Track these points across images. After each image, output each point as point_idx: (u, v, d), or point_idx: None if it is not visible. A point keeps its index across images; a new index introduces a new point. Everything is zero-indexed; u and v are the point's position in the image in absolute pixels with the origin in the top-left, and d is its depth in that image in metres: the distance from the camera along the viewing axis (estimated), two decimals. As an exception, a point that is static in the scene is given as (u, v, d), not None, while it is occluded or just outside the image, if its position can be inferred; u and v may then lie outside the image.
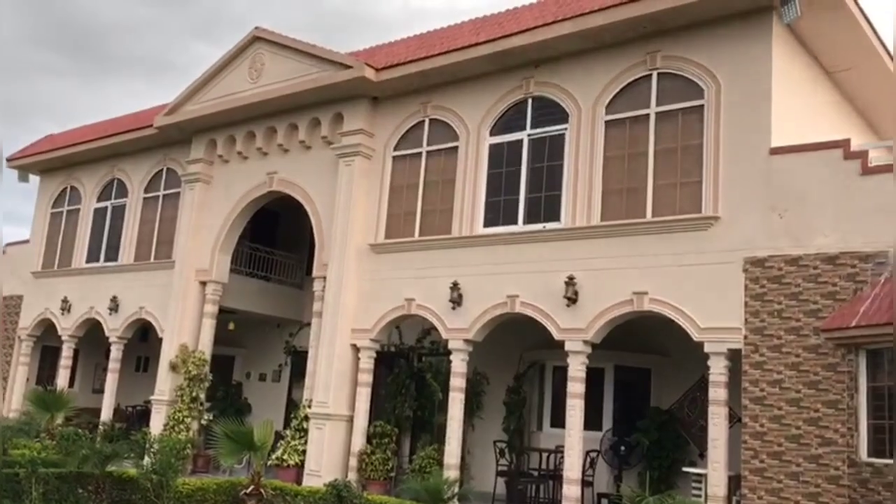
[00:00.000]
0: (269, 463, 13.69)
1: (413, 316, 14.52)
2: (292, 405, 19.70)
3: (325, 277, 15.43)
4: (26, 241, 23.50)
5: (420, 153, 14.88)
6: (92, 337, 20.96)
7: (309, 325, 19.69)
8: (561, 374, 13.39)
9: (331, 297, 15.04)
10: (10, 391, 21.89)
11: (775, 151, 10.79)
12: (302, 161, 16.50)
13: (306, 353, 18.99)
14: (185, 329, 17.46)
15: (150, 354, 22.07)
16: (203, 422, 16.86)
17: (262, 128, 16.98)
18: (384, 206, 15.14)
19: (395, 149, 15.26)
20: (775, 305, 10.42)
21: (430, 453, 13.69)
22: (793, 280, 10.36)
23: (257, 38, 16.87)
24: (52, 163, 22.45)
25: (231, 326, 18.99)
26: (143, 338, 21.34)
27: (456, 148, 14.31)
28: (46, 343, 22.35)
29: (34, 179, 23.66)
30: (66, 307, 20.75)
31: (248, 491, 12.48)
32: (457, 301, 13.39)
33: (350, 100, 15.50)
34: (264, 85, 16.41)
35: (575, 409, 11.88)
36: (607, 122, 12.50)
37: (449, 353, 13.73)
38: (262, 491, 12.57)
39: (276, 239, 20.46)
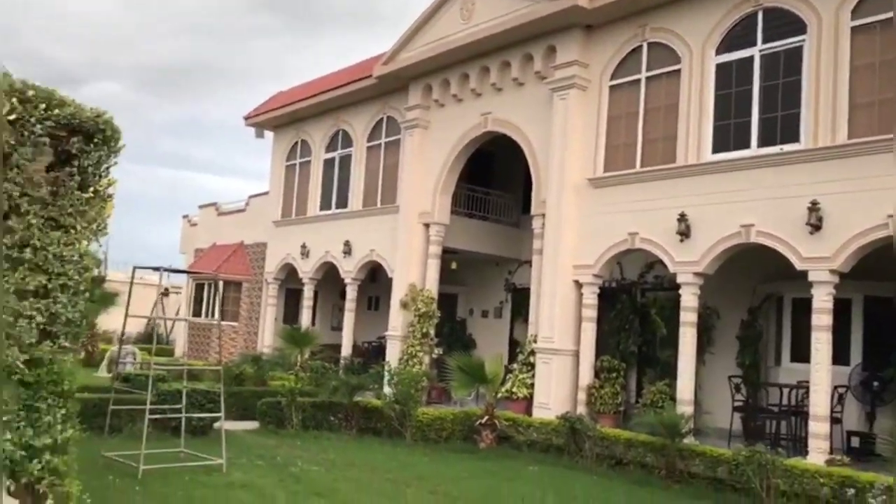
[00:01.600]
0: (499, 395, 14.14)
1: (636, 250, 14.21)
2: (514, 340, 20.21)
3: (543, 215, 15.45)
4: (266, 193, 25.61)
5: (638, 80, 14.31)
6: (328, 278, 22.60)
7: (527, 262, 19.97)
8: (801, 306, 12.57)
9: (550, 235, 15.05)
10: (262, 329, 24.23)
11: None
12: (515, 99, 16.49)
13: (526, 289, 19.29)
14: (413, 269, 18.30)
15: (379, 294, 23.45)
16: (434, 356, 17.72)
17: (475, 68, 17.13)
18: (602, 138, 14.80)
19: (611, 78, 14.79)
20: None
21: (662, 388, 13.45)
22: None
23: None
24: (283, 119, 24.12)
25: (453, 266, 19.63)
26: (373, 278, 22.65)
27: (678, 71, 13.61)
28: (289, 286, 24.39)
29: (268, 135, 25.61)
30: (304, 252, 22.46)
31: (483, 421, 13.04)
32: (685, 233, 12.89)
33: (562, 31, 15.18)
34: (476, 24, 16.47)
35: (822, 343, 11.11)
36: (854, 29, 11.28)
37: (674, 287, 13.32)
38: (495, 421, 13.07)
39: (492, 179, 20.73)
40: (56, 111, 6.29)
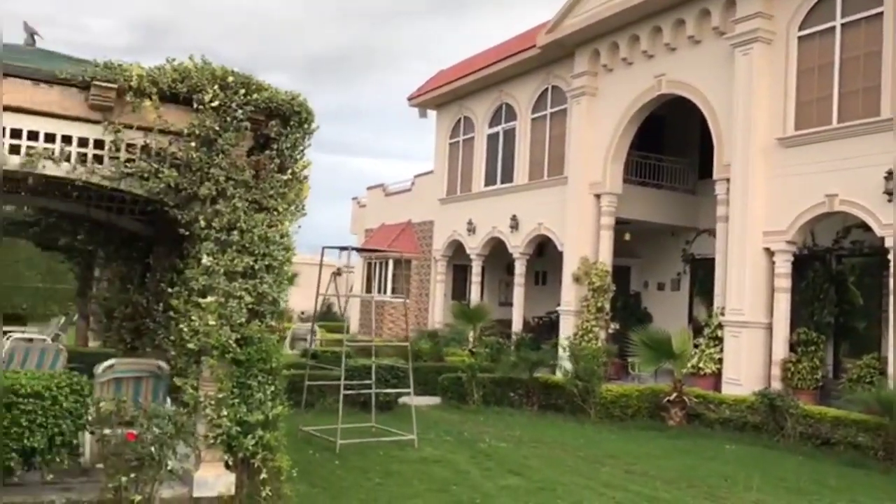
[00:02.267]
0: (684, 371, 13.48)
1: (834, 214, 13.06)
2: (694, 313, 19.31)
3: (727, 180, 14.54)
4: (430, 172, 25.85)
5: (832, 28, 13.08)
6: (495, 254, 22.52)
7: (707, 231, 19.02)
8: None
9: (737, 200, 14.12)
10: (432, 306, 24.57)
11: None
12: (692, 58, 15.57)
13: (706, 260, 18.34)
14: (584, 242, 17.83)
15: (547, 268, 23.11)
16: (610, 331, 17.21)
17: (646, 29, 16.32)
18: (791, 94, 13.67)
19: (800, 28, 13.60)
20: None
21: (869, 362, 12.33)
22: None
23: (634, -64, 16.09)
24: (445, 97, 24.17)
25: (626, 237, 18.95)
26: (540, 252, 22.32)
27: (880, 14, 12.30)
28: (456, 262, 24.55)
29: (431, 115, 25.79)
30: (471, 228, 22.49)
31: (671, 398, 12.47)
32: (894, 192, 11.67)
33: (744, -19, 14.12)
34: (647, -17, 15.67)
35: None
36: None
37: (877, 252, 12.11)
38: (685, 398, 12.47)
39: (663, 144, 19.78)
40: (255, 95, 6.41)
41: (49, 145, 6.06)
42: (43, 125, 6.04)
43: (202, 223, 6.34)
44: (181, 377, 6.57)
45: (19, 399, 5.31)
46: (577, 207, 17.95)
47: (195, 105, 6.28)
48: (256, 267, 6.45)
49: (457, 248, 23.84)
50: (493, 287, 25.35)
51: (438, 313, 23.93)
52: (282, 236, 6.68)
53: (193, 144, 6.23)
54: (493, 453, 9.47)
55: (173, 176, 6.20)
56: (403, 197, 27.71)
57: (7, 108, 5.86)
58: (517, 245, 20.57)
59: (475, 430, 11.06)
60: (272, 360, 6.53)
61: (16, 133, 5.97)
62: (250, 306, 6.41)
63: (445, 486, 7.76)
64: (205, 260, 6.33)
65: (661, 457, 9.94)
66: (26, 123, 5.98)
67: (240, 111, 6.29)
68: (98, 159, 6.22)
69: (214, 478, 6.38)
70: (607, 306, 17.24)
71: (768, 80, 13.90)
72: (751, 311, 13.68)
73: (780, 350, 13.43)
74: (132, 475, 5.70)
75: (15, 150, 5.96)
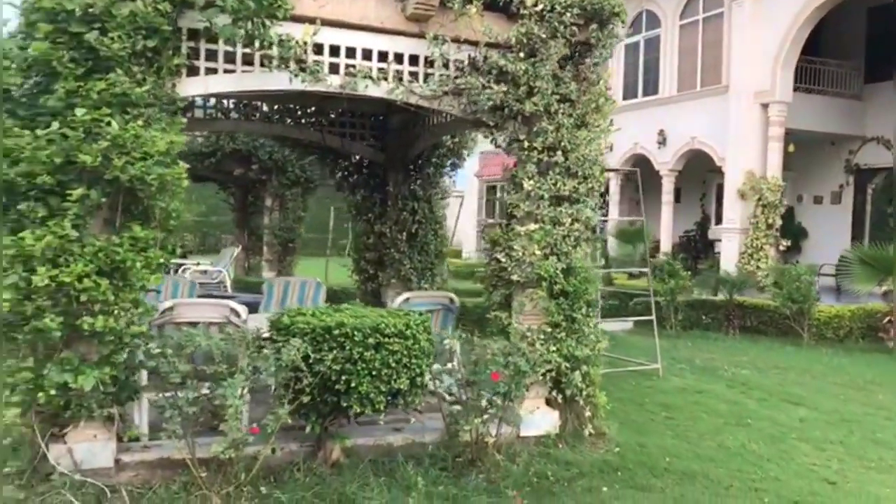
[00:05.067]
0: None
1: None
2: (858, 227, 18.30)
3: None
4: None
5: None
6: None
7: (874, 139, 17.81)
8: None
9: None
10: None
11: None
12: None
13: (873, 170, 17.25)
14: (748, 155, 16.78)
15: (680, 184, 22.09)
16: (781, 248, 16.36)
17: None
18: None
19: None
20: None
21: None
22: None
23: None
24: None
25: (791, 148, 17.80)
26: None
27: None
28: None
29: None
30: (607, 147, 21.54)
31: (892, 318, 11.71)
32: None
33: None
34: None
35: None
36: None
37: None
38: (906, 318, 11.67)
39: (820, 47, 18.36)
40: (578, -3, 5.72)
41: (366, 63, 5.52)
42: (360, 40, 5.49)
43: (525, 144, 5.79)
44: (493, 311, 6.17)
45: (385, 339, 4.92)
46: (742, 118, 16.84)
47: (515, 10, 5.64)
48: (581, 190, 5.90)
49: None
50: (624, 207, 24.50)
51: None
52: (598, 155, 6.10)
53: (522, 55, 5.60)
54: (746, 381, 8.91)
55: (502, 92, 5.60)
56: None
57: (324, 23, 5.32)
58: (665, 161, 19.63)
59: (698, 356, 10.51)
60: (589, 291, 6.04)
61: (334, 50, 5.45)
62: (576, 233, 5.89)
63: (738, 419, 7.25)
64: (526, 184, 5.79)
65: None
66: (344, 39, 5.44)
67: (567, 14, 5.62)
68: (414, 77, 5.67)
69: (540, 416, 5.99)
70: (778, 222, 16.32)
71: None
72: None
73: None
74: (485, 416, 5.34)
75: (334, 69, 5.45)
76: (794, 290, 11.76)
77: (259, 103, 8.09)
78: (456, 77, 5.65)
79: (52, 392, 4.35)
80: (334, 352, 4.80)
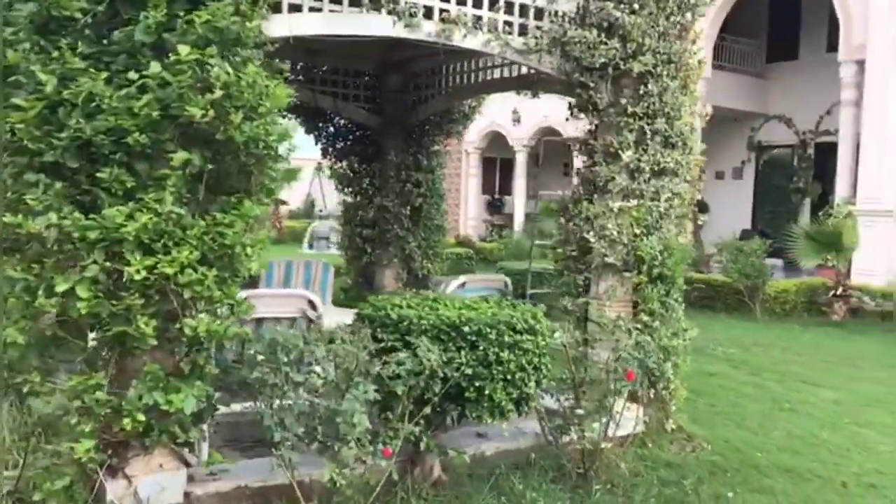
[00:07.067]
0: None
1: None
2: (759, 203, 19.05)
3: (858, 62, 13.80)
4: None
5: None
6: (496, 146, 21.45)
7: (776, 117, 18.48)
8: None
9: (877, 83, 13.38)
10: (464, 203, 23.45)
11: None
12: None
13: (772, 146, 17.92)
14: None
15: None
16: (699, 223, 16.64)
17: None
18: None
19: None
20: None
21: None
22: None
23: None
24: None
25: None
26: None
27: None
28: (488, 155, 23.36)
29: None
30: (516, 118, 21.27)
31: (837, 292, 12.05)
32: None
33: None
34: None
35: None
36: None
37: None
38: (850, 292, 12.07)
39: (727, 24, 18.77)
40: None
41: (462, 8, 4.65)
42: (458, -20, 4.62)
43: (627, 109, 5.12)
44: (569, 297, 5.51)
45: (518, 336, 4.15)
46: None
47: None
48: (683, 163, 5.32)
49: (492, 140, 22.61)
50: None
51: (473, 209, 22.86)
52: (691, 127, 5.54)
53: (637, 6, 4.90)
54: (748, 362, 8.76)
55: (615, 48, 4.89)
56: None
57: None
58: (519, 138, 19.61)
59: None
60: (675, 274, 5.52)
61: (427, -9, 4.54)
62: (677, 211, 5.33)
63: (774, 403, 7.00)
64: (625, 155, 5.14)
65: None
66: (441, -22, 4.56)
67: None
68: (508, 26, 4.85)
69: (627, 414, 5.42)
70: (698, 196, 16.52)
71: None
72: (893, 199, 13.22)
73: (923, 239, 13.12)
74: (604, 419, 4.69)
75: (427, 14, 4.54)
76: (749, 265, 11.86)
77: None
78: (562, 30, 4.89)
79: (140, 417, 3.29)
80: (464, 353, 3.99)
